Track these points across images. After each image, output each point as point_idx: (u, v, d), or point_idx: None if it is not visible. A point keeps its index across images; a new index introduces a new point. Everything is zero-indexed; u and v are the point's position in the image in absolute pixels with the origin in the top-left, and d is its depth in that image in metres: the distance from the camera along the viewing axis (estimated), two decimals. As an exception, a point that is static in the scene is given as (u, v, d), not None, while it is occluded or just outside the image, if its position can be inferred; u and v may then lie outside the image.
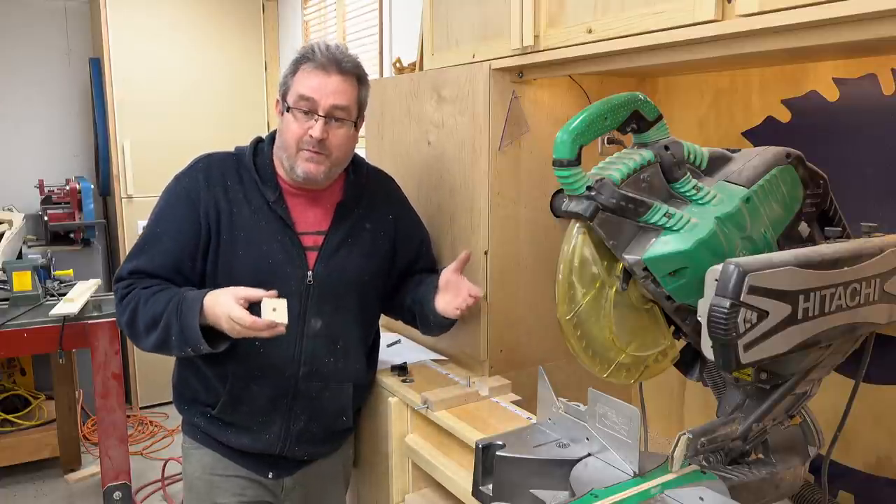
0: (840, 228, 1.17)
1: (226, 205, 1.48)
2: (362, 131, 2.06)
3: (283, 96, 1.48)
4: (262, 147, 1.55)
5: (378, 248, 1.61)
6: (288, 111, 1.45)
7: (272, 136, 1.56)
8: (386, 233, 1.63)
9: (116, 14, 3.86)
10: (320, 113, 1.43)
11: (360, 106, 1.51)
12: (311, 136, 1.42)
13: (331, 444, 1.67)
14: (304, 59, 1.46)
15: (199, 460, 1.60)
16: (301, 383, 1.53)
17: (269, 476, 1.60)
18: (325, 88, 1.43)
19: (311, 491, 1.67)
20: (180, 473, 3.24)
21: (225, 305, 1.34)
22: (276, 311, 1.33)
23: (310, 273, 1.50)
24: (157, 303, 1.42)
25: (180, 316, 1.38)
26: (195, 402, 1.57)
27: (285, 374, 1.52)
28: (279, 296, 1.36)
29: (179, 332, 1.38)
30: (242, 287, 1.37)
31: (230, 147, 1.59)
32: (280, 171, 1.53)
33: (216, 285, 1.46)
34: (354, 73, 1.47)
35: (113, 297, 1.52)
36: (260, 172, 1.51)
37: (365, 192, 1.61)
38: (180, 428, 1.68)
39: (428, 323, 1.61)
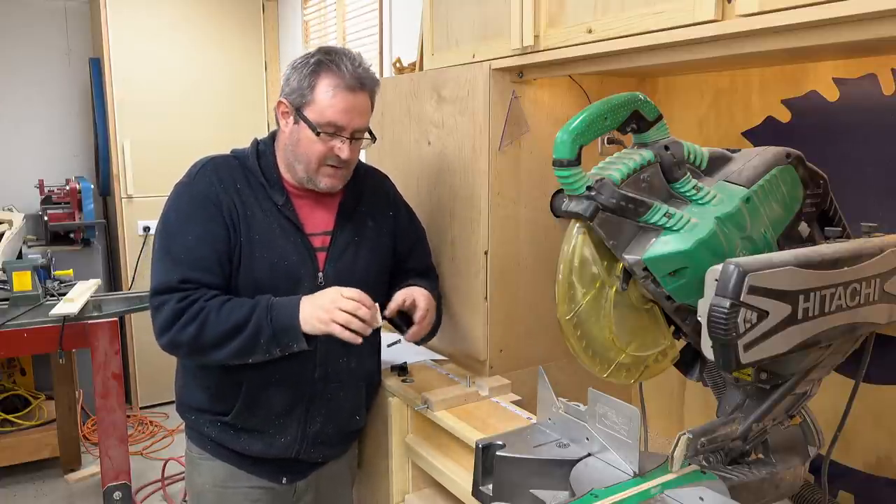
0: (840, 228, 1.17)
1: (241, 207, 1.47)
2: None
3: (299, 108, 1.44)
4: (263, 150, 1.54)
5: (382, 245, 1.62)
6: (317, 135, 1.42)
7: (272, 138, 1.55)
8: (388, 229, 1.64)
9: (116, 14, 3.86)
10: (346, 135, 1.44)
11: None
12: (339, 156, 1.44)
13: (344, 444, 1.67)
14: (327, 70, 1.42)
15: (209, 471, 1.58)
16: (317, 385, 1.53)
17: (283, 482, 1.59)
18: (353, 111, 1.43)
19: (322, 493, 1.67)
20: (180, 473, 3.26)
21: (333, 292, 1.38)
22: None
23: (320, 274, 1.50)
24: (235, 310, 1.39)
25: (273, 318, 1.38)
26: (203, 411, 1.55)
27: (301, 377, 1.51)
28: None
29: (272, 335, 1.37)
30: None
31: (230, 148, 1.58)
32: (285, 174, 1.52)
33: (237, 287, 1.46)
34: (373, 89, 1.48)
35: (143, 306, 1.48)
36: (266, 176, 1.51)
37: (364, 191, 1.62)
38: (184, 431, 1.65)
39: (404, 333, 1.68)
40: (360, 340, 1.37)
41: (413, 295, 1.51)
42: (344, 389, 1.57)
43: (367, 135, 1.50)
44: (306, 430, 1.54)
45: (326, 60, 1.42)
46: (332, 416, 1.57)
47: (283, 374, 1.49)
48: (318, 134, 1.42)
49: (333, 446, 1.62)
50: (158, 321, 1.42)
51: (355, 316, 1.36)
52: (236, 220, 1.46)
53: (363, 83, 1.44)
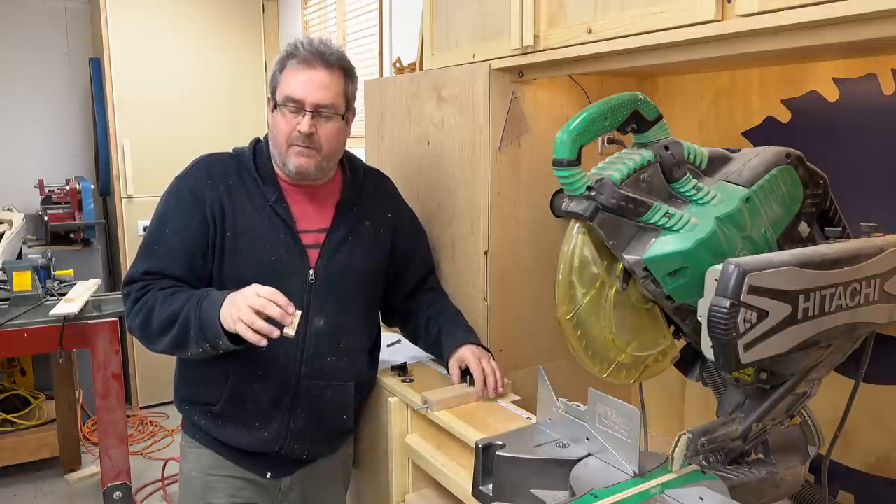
0: (840, 228, 1.17)
1: (229, 203, 1.49)
2: (361, 130, 2.07)
3: (273, 94, 1.51)
4: (260, 147, 1.56)
5: (379, 246, 1.62)
6: (276, 109, 1.48)
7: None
8: (386, 230, 1.64)
9: (116, 14, 3.86)
10: (307, 109, 1.45)
11: (348, 99, 1.52)
12: (299, 131, 1.45)
13: (330, 443, 1.67)
14: (289, 55, 1.48)
15: (196, 459, 1.60)
16: (303, 382, 1.53)
17: (268, 476, 1.60)
18: (311, 84, 1.45)
19: (308, 492, 1.67)
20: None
21: (250, 289, 1.31)
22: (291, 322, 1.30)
23: (311, 271, 1.51)
24: (174, 301, 1.41)
25: (201, 311, 1.36)
26: (195, 402, 1.57)
27: (287, 373, 1.52)
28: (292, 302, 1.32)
29: (199, 328, 1.36)
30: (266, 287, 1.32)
31: (230, 147, 1.60)
32: (279, 170, 1.54)
33: (222, 283, 1.47)
34: (339, 66, 1.49)
35: (121, 298, 1.51)
36: (260, 172, 1.53)
37: (363, 190, 1.63)
38: (180, 427, 1.68)
39: (428, 349, 1.72)
40: (265, 342, 1.29)
41: (463, 359, 1.55)
42: (331, 388, 1.57)
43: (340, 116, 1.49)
44: (290, 426, 1.55)
45: (290, 46, 1.49)
46: (317, 413, 1.57)
47: (269, 369, 1.51)
48: (276, 108, 1.47)
49: (318, 444, 1.62)
50: (124, 310, 1.50)
51: (264, 316, 1.28)
52: (218, 215, 1.48)
53: (322, 57, 1.46)
